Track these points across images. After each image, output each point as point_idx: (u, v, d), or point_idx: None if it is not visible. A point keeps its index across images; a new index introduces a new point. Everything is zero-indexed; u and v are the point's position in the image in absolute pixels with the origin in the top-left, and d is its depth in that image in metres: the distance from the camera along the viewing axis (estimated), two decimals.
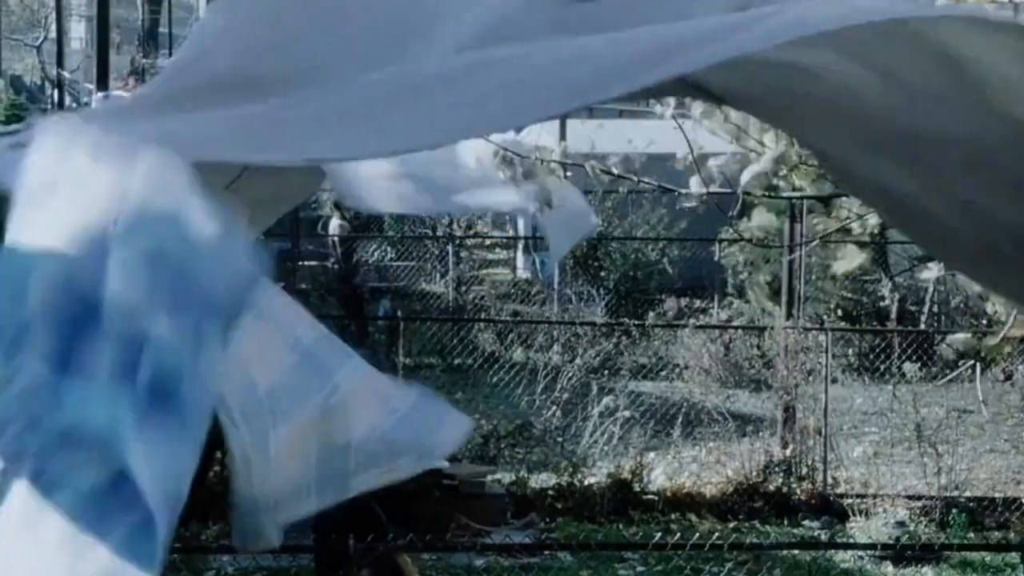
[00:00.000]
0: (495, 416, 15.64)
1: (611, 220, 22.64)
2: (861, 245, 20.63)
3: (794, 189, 4.53)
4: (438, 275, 25.46)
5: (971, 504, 13.41)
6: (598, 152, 19.76)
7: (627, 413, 14.29)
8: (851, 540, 12.50)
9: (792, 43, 2.45)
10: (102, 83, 9.46)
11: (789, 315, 14.98)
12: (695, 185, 4.06)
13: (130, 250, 2.40)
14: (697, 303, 22.91)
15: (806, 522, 13.37)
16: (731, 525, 13.23)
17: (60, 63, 12.60)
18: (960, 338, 4.17)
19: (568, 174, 4.74)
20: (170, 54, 29.17)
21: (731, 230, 18.47)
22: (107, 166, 2.45)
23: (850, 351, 18.49)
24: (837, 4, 2.58)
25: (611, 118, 22.86)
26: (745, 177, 3.92)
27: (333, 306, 20.82)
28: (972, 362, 4.03)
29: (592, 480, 13.62)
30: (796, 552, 11.91)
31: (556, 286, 23.08)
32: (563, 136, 20.80)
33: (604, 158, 4.58)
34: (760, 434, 14.88)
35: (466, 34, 2.87)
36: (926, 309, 19.81)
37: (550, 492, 13.49)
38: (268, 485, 4.52)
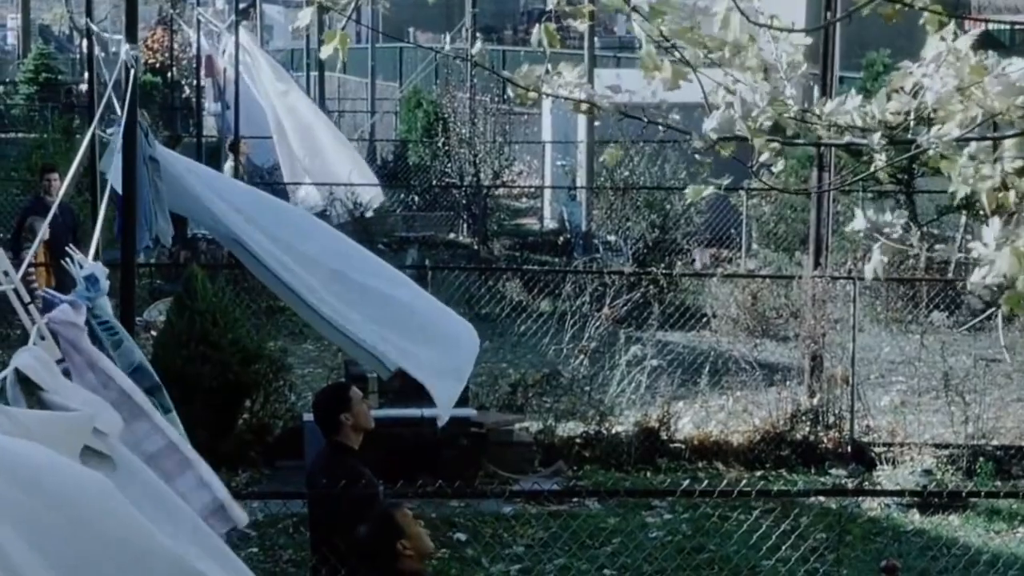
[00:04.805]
0: (522, 365, 15.69)
1: (637, 170, 22.61)
2: (888, 193, 20.56)
3: (818, 137, 4.51)
4: (465, 225, 25.44)
5: (998, 452, 13.41)
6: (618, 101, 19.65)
7: (655, 362, 14.28)
8: (878, 488, 12.51)
9: None
10: (130, 33, 9.47)
11: (816, 264, 14.95)
12: (708, 124, 4.01)
13: None
14: (725, 253, 22.90)
15: (833, 470, 13.39)
16: (758, 473, 13.27)
17: (89, 12, 12.61)
18: (979, 276, 4.11)
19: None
20: (197, 4, 29.09)
21: (757, 180, 18.47)
22: None
23: (877, 300, 18.45)
24: None
25: (632, 67, 22.76)
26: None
27: None
28: (997, 310, 3.98)
29: (619, 428, 13.65)
30: (823, 500, 11.93)
31: (583, 236, 23.08)
32: (591, 81, 20.72)
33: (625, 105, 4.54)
34: (787, 383, 14.89)
35: None
36: (954, 258, 19.75)
37: (577, 440, 13.54)
38: None
